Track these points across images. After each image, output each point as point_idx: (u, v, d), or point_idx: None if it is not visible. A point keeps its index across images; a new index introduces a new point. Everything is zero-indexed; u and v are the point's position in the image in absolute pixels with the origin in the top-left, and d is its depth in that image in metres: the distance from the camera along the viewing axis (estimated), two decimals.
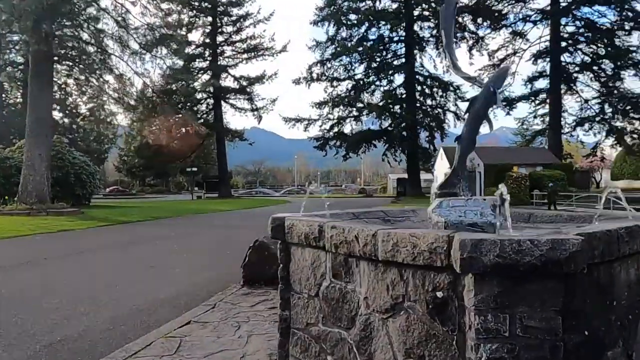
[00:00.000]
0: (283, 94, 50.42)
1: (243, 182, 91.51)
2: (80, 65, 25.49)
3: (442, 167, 50.70)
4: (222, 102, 47.00)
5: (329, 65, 41.04)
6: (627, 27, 38.06)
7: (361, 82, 41.26)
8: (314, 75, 40.67)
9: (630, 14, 37.22)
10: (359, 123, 41.27)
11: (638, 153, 39.23)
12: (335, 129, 41.33)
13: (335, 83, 41.18)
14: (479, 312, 2.06)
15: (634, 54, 37.64)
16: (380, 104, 39.02)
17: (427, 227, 3.21)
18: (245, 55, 46.59)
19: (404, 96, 39.97)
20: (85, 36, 22.27)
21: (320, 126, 41.33)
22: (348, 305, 2.72)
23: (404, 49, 40.85)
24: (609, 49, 38.56)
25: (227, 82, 47.14)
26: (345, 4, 39.29)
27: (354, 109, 40.53)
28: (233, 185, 62.21)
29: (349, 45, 39.18)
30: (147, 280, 6.80)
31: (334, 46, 40.72)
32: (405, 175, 47.29)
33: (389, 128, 40.56)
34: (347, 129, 41.71)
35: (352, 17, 39.51)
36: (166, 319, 4.74)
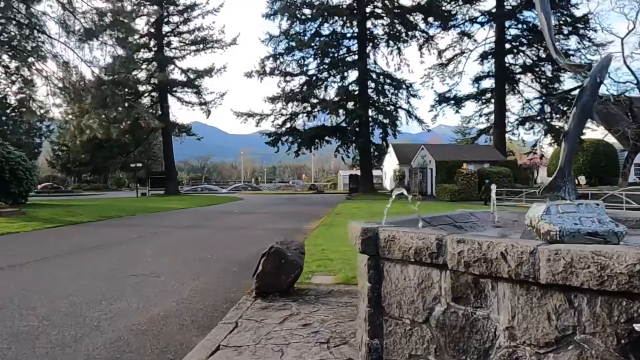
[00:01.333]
0: (233, 89, 49.01)
1: (187, 179, 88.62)
2: (10, 52, 23.29)
3: (391, 164, 51.57)
4: (169, 95, 45.00)
5: (282, 59, 40.33)
6: (565, 32, 40.15)
7: (315, 77, 40.89)
8: (267, 69, 39.82)
9: (568, 19, 39.27)
10: (313, 119, 40.89)
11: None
12: (288, 125, 40.72)
13: (288, 78, 40.57)
14: None
15: (571, 57, 39.73)
16: (335, 100, 38.78)
17: (529, 235, 2.82)
18: (193, 47, 44.80)
19: (357, 93, 39.98)
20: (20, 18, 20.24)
21: (273, 121, 40.60)
22: (479, 335, 2.26)
23: (357, 46, 40.86)
24: (549, 51, 40.50)
25: (175, 74, 45.24)
26: None
27: (308, 104, 40.09)
28: (179, 181, 59.98)
29: (303, 40, 38.62)
30: (133, 292, 6.00)
31: (287, 40, 40.04)
32: (356, 172, 47.56)
33: (343, 124, 40.48)
34: (300, 124, 41.23)
35: (306, 11, 39.02)
36: (181, 342, 4.08)
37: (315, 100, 40.02)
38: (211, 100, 45.46)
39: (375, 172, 48.54)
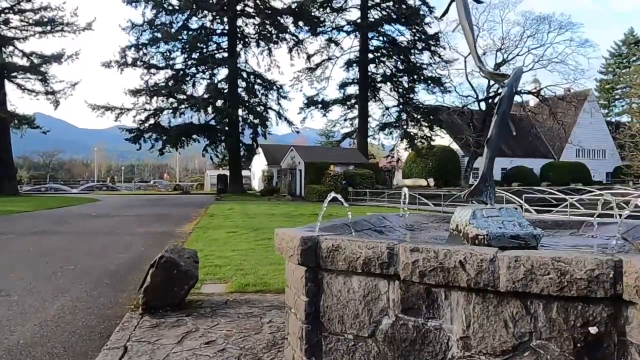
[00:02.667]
0: (88, 79, 44.35)
1: (28, 177, 78.00)
2: None
3: (259, 165, 51.49)
4: (6, 81, 39.04)
5: (145, 50, 37.59)
6: (419, 47, 44.12)
7: (182, 72, 38.90)
8: (128, 60, 36.77)
9: (422, 35, 43.21)
10: (180, 115, 38.85)
11: (425, 155, 45.76)
12: (152, 121, 38.10)
13: (153, 70, 37.94)
14: None
15: (424, 70, 43.91)
16: (204, 97, 37.33)
17: (455, 239, 2.85)
18: (38, 29, 39.46)
19: (227, 91, 39.05)
20: None
21: (135, 116, 37.60)
22: (431, 347, 2.17)
23: (227, 43, 39.94)
24: (406, 64, 44.19)
25: (15, 58, 39.43)
26: None
27: (175, 100, 37.93)
28: (18, 180, 52.38)
29: (170, 32, 36.49)
30: None
31: (151, 30, 37.46)
32: (224, 172, 46.50)
33: (212, 122, 39.21)
34: (165, 121, 38.86)
35: (174, 1, 36.93)
36: None
37: (182, 96, 38.06)
38: (60, 89, 40.58)
39: (244, 173, 47.99)
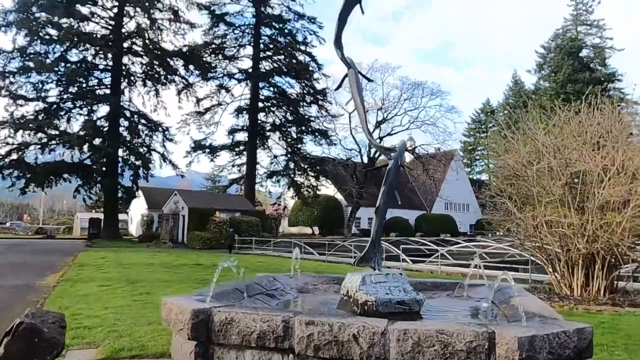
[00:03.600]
0: None
1: None
2: None
3: (139, 208, 48.45)
4: None
5: (13, 79, 34.17)
6: (308, 100, 46.09)
7: (56, 106, 35.85)
8: None
9: (311, 89, 45.32)
10: (49, 152, 35.37)
11: (311, 204, 46.89)
12: (15, 156, 34.18)
13: (21, 102, 34.40)
14: None
15: (312, 122, 45.76)
16: (80, 134, 34.60)
17: (346, 304, 2.93)
18: None
19: (107, 129, 36.72)
20: None
21: None
22: None
23: (110, 79, 37.94)
24: (295, 115, 45.72)
25: None
26: (44, 15, 33.96)
27: (45, 135, 34.58)
28: None
29: (44, 62, 33.73)
30: None
31: (22, 59, 34.33)
32: (97, 215, 42.95)
33: (87, 162, 36.28)
34: (31, 157, 35.09)
35: (52, 31, 34.41)
36: None
37: (54, 132, 34.86)
38: None
39: (120, 216, 44.73)
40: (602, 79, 65.45)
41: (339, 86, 3.43)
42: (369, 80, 4.03)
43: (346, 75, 3.39)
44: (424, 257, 21.10)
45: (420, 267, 18.47)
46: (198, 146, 43.45)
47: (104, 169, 36.40)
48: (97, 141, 36.20)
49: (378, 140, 46.85)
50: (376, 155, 48.65)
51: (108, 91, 37.60)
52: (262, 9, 44.34)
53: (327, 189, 49.78)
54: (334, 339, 2.09)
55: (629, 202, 9.94)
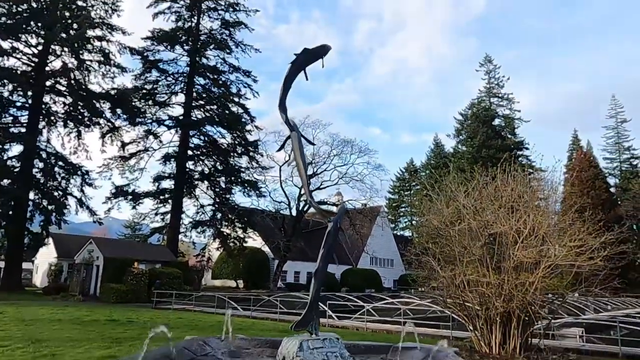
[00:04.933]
0: None
1: None
2: None
3: (46, 256, 44.52)
4: None
5: None
6: (239, 151, 45.99)
7: None
8: None
9: (242, 141, 45.38)
10: None
11: (236, 256, 45.71)
12: None
13: None
14: None
15: (242, 173, 45.49)
16: None
17: None
18: None
19: (18, 170, 34.09)
20: None
21: None
22: None
23: (27, 118, 35.70)
24: (224, 165, 45.28)
25: None
26: None
27: None
28: None
29: None
30: None
31: None
32: None
33: None
34: None
35: None
36: None
37: None
38: None
39: (24, 265, 40.77)
40: (512, 146, 71.65)
41: (281, 147, 3.49)
42: (311, 143, 4.13)
43: (289, 137, 3.45)
44: (350, 312, 21.06)
45: (346, 324, 18.38)
46: (120, 192, 41.41)
47: (9, 212, 33.41)
48: (5, 182, 33.38)
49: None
50: (305, 209, 48.92)
51: (24, 130, 35.24)
52: (197, 58, 44.59)
53: (255, 241, 49.01)
54: None
55: (540, 263, 10.69)
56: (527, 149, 73.29)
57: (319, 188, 48.68)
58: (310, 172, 48.65)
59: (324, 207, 50.32)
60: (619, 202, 65.93)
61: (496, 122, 77.47)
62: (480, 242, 11.21)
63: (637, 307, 29.47)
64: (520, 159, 62.82)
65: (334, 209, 53.92)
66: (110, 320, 15.87)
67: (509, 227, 10.94)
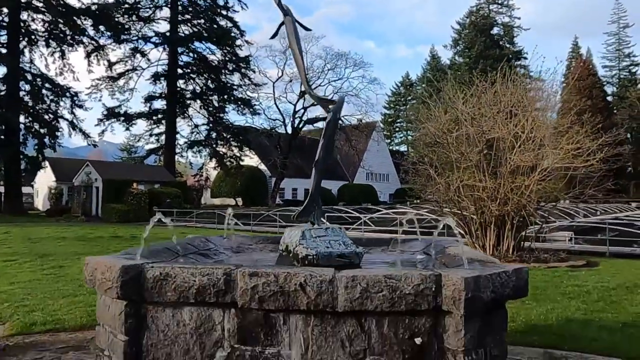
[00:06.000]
0: None
1: None
2: None
3: (46, 180, 44.81)
4: None
5: None
6: (230, 68, 44.58)
7: None
8: None
9: (233, 57, 43.84)
10: None
11: (234, 175, 46.05)
12: None
13: None
14: (467, 351, 2.00)
15: (235, 91, 44.50)
16: None
17: (286, 259, 2.85)
18: None
19: (4, 93, 33.17)
20: None
21: None
22: None
23: (7, 38, 34.08)
24: (216, 83, 44.11)
25: None
26: None
27: None
28: None
29: None
30: None
31: None
32: None
33: None
34: None
35: None
36: None
37: None
38: None
39: (24, 189, 41.11)
40: (510, 56, 69.73)
41: (275, 35, 3.26)
42: (307, 29, 3.85)
43: (282, 24, 3.21)
44: (347, 224, 21.58)
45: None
46: (112, 114, 40.73)
47: (2, 137, 33.02)
48: None
49: (305, 106, 46.74)
50: (300, 126, 48.51)
51: (4, 51, 33.78)
52: None
53: (251, 159, 49.11)
54: (280, 290, 1.99)
55: (536, 167, 10.75)
56: (525, 58, 71.35)
57: (313, 104, 47.92)
58: (304, 87, 47.52)
59: (319, 121, 49.84)
60: (615, 111, 65.65)
61: (495, 30, 74.76)
62: (478, 148, 11.17)
63: (626, 211, 30.35)
64: (518, 69, 61.50)
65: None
66: (114, 236, 16.24)
67: (507, 132, 10.85)
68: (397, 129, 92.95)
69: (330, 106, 3.11)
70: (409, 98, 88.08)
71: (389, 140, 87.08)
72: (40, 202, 46.88)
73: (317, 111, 49.85)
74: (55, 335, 4.54)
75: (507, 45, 73.76)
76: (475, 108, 11.76)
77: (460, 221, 12.21)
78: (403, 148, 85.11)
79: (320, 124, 51.47)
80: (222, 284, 2.03)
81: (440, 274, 1.97)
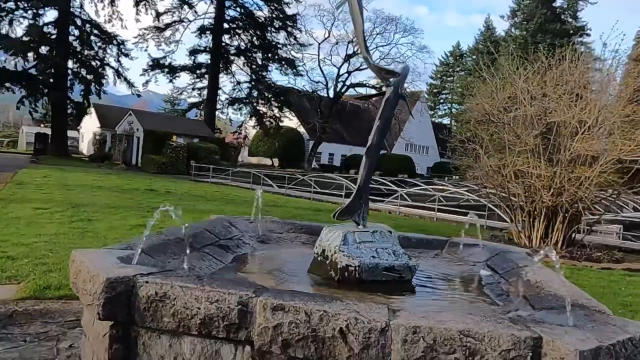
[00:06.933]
0: None
1: None
2: None
3: (91, 126, 45.89)
4: None
5: None
6: (276, 25, 43.55)
7: None
8: None
9: (280, 14, 42.72)
10: None
11: (272, 135, 45.74)
12: None
13: None
14: None
15: (279, 50, 43.58)
16: (24, 39, 31.43)
17: (321, 267, 2.31)
18: None
19: (55, 37, 33.54)
20: None
21: None
22: None
23: None
24: (261, 40, 43.28)
25: None
26: None
27: None
28: None
29: None
30: None
31: None
32: (45, 130, 40.40)
33: (33, 71, 33.32)
34: None
35: None
36: None
37: None
38: None
39: (70, 133, 42.27)
40: (572, 31, 65.36)
41: None
42: None
43: None
44: (383, 196, 20.95)
45: (379, 207, 18.31)
46: (156, 65, 40.77)
47: (51, 80, 33.63)
48: (43, 49, 33.12)
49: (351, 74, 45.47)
50: (342, 91, 47.32)
51: None
52: None
53: (291, 121, 48.58)
54: (312, 334, 1.46)
55: (600, 157, 9.74)
56: (588, 35, 66.66)
57: (358, 69, 46.59)
58: (350, 50, 46.14)
59: (367, 88, 48.44)
60: None
61: (558, 2, 69.83)
62: (536, 131, 10.22)
63: None
64: (579, 46, 57.58)
65: (373, 91, 51.98)
66: (149, 189, 16.23)
67: (571, 117, 9.83)
68: (442, 101, 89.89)
69: (391, 79, 2.49)
70: (458, 69, 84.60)
71: (432, 112, 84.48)
72: (85, 147, 48.25)
73: (361, 76, 48.44)
74: (67, 303, 4.24)
75: (569, 20, 68.91)
76: (538, 87, 10.72)
77: (506, 207, 11.43)
78: (446, 121, 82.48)
79: (363, 90, 50.25)
80: (234, 317, 1.52)
81: (540, 338, 1.39)
